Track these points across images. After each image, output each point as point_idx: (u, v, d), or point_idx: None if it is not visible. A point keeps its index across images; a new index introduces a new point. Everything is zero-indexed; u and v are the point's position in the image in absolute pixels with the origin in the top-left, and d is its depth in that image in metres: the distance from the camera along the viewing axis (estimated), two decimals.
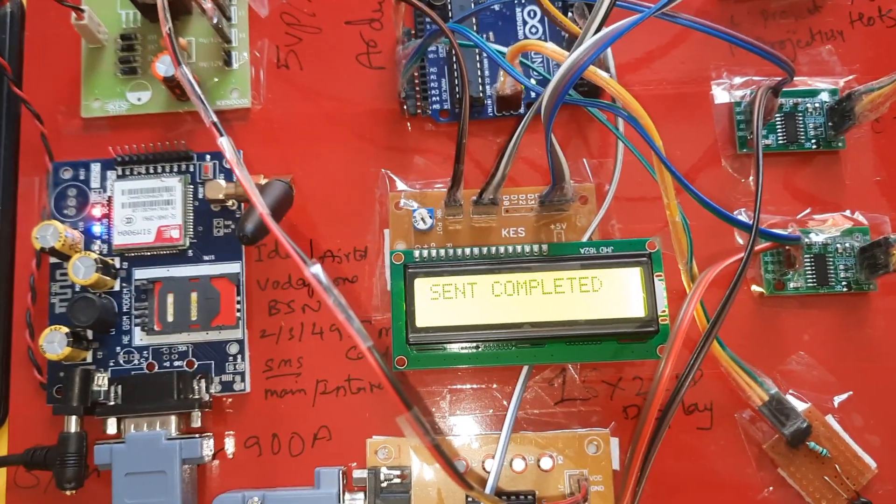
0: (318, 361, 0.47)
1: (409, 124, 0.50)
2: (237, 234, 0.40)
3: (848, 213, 0.48)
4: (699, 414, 0.46)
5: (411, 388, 0.46)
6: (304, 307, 0.48)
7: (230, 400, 0.46)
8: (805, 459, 0.44)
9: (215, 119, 0.34)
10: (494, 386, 0.47)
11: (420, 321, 0.42)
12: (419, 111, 0.49)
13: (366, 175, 0.49)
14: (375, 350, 0.29)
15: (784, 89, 0.45)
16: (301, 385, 0.47)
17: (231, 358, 0.46)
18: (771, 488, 0.45)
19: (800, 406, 0.44)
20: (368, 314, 0.47)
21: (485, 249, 0.44)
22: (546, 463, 0.44)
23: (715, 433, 0.46)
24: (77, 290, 0.47)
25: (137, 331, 0.46)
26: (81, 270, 0.45)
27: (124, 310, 0.47)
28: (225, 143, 0.33)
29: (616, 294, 0.43)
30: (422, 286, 0.43)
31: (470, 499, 0.44)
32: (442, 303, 0.43)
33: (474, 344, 0.43)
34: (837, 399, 0.46)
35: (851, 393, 0.46)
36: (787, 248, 0.43)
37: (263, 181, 0.46)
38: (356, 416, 0.46)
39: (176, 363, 0.46)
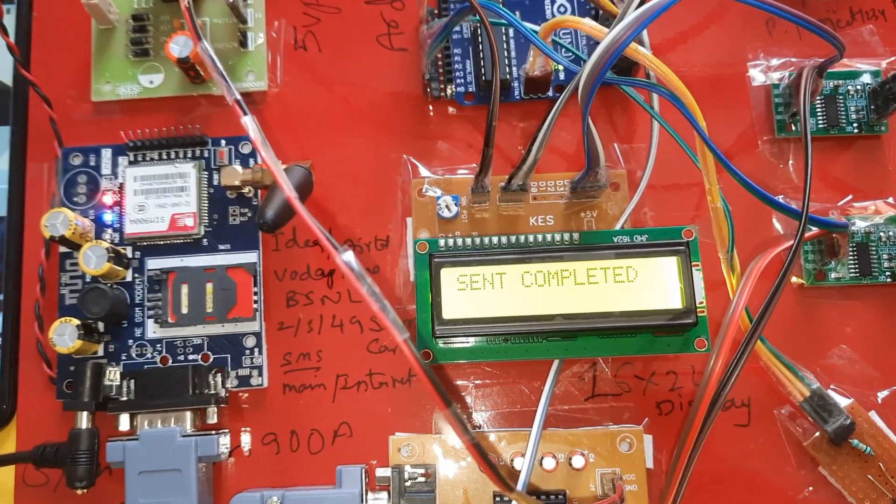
0: (339, 355, 0.45)
1: (431, 108, 0.48)
2: (257, 220, 0.38)
3: (891, 199, 0.46)
4: (736, 410, 0.44)
5: (449, 382, 0.44)
6: (323, 298, 0.46)
7: (247, 395, 0.45)
8: (847, 458, 0.42)
9: (238, 97, 0.32)
10: (523, 381, 0.45)
11: (447, 313, 0.41)
12: (442, 94, 0.47)
13: (387, 161, 0.47)
14: (412, 343, 0.27)
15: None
16: (321, 380, 0.45)
17: (248, 351, 0.44)
18: (811, 488, 0.43)
19: (842, 402, 0.42)
20: (392, 305, 0.45)
21: (513, 238, 0.42)
22: (578, 461, 0.42)
23: (753, 430, 0.44)
24: (88, 280, 0.45)
25: (150, 323, 0.44)
26: (93, 260, 0.43)
27: (137, 301, 0.45)
28: (249, 123, 0.31)
29: (652, 284, 0.41)
30: (448, 276, 0.41)
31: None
32: (469, 294, 0.41)
33: (503, 337, 0.41)
34: (881, 395, 0.44)
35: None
36: (833, 235, 0.41)
37: (283, 167, 0.44)
38: (378, 412, 0.44)
39: (191, 357, 0.44)
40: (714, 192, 0.38)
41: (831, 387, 0.43)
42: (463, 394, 0.45)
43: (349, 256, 0.27)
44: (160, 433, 0.41)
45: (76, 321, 0.42)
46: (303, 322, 0.45)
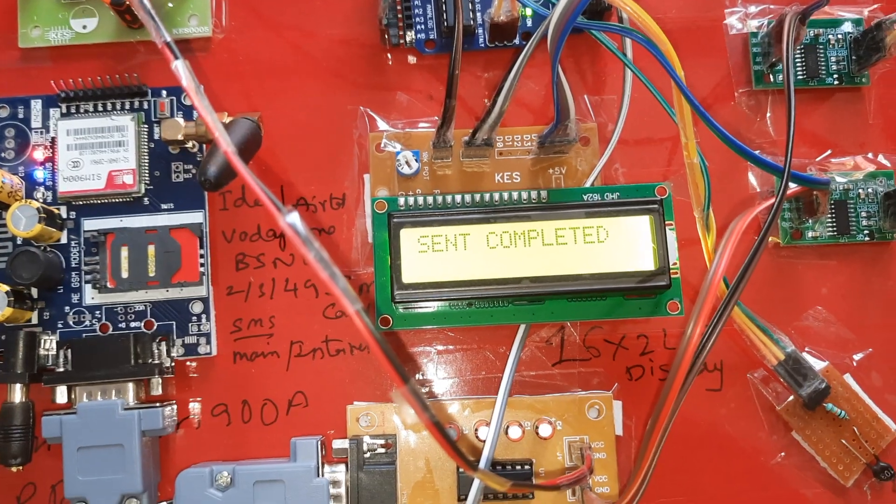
0: (292, 321, 0.42)
1: (389, 56, 0.45)
2: (199, 178, 0.35)
3: (871, 155, 0.44)
4: (708, 374, 0.43)
5: (406, 354, 0.41)
6: (275, 261, 0.43)
7: (194, 364, 0.42)
8: (822, 422, 0.41)
9: (168, 38, 0.28)
10: (487, 346, 0.43)
11: (407, 276, 0.38)
12: (401, 42, 0.44)
13: (342, 113, 0.44)
14: (365, 313, 0.24)
15: None
16: (273, 347, 0.42)
17: (195, 318, 0.41)
18: (783, 454, 0.42)
19: (817, 365, 0.41)
20: (349, 268, 0.43)
21: (477, 196, 0.40)
22: (545, 430, 0.40)
23: (725, 395, 0.42)
24: (18, 242, 0.41)
25: (88, 288, 0.41)
26: (22, 221, 0.39)
27: (73, 265, 0.41)
28: (181, 67, 0.28)
29: (623, 245, 0.39)
30: (408, 237, 0.38)
31: (462, 469, 0.40)
32: (431, 256, 0.38)
33: (467, 301, 0.39)
34: (857, 357, 0.42)
35: (871, 350, 0.42)
36: (814, 193, 0.39)
37: (227, 119, 0.40)
38: (335, 381, 0.42)
39: (133, 324, 0.41)
40: (691, 146, 0.36)
41: (806, 349, 0.42)
42: (425, 360, 0.42)
43: (294, 218, 0.24)
44: (100, 406, 0.38)
45: (6, 287, 0.39)
46: (254, 286, 0.43)
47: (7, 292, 0.39)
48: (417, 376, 0.42)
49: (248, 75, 0.44)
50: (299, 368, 0.42)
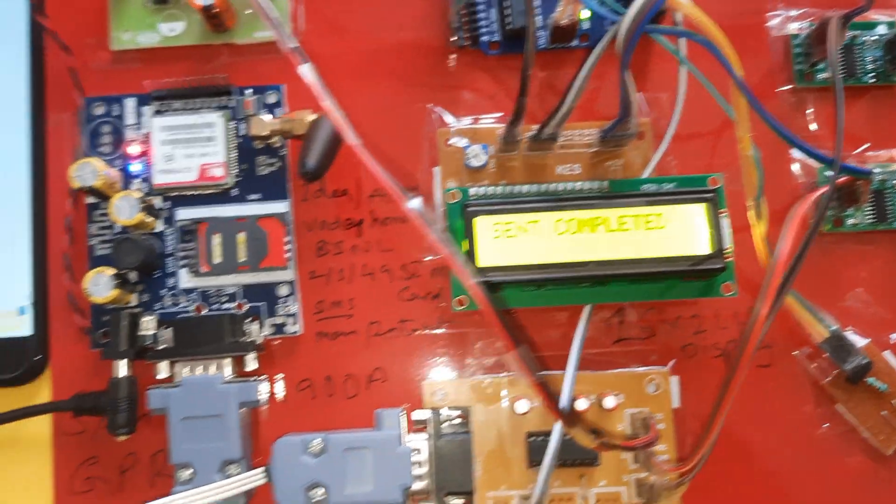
0: (370, 303, 0.46)
1: (456, 57, 0.48)
2: (299, 170, 0.38)
3: None
4: (759, 352, 0.46)
5: (518, 324, 0.45)
6: (353, 248, 0.46)
7: (280, 343, 0.45)
8: (863, 395, 0.44)
9: (296, 44, 0.32)
10: (550, 328, 0.46)
11: (482, 261, 0.41)
12: (467, 43, 0.47)
13: (412, 111, 0.47)
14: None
15: None
16: (353, 327, 0.46)
17: (282, 300, 0.45)
18: (828, 424, 0.45)
19: (859, 342, 0.44)
20: (420, 255, 0.46)
21: (543, 186, 0.43)
22: (609, 402, 0.43)
23: (774, 371, 0.45)
24: (117, 231, 0.45)
25: (183, 273, 0.45)
26: (125, 210, 0.43)
27: (168, 251, 0.45)
28: (307, 71, 0.31)
29: (681, 231, 0.42)
30: (483, 225, 0.42)
31: (532, 438, 0.43)
32: (504, 242, 0.42)
33: (536, 284, 0.42)
34: (894, 336, 0.46)
35: None
36: (857, 182, 0.42)
37: (313, 116, 0.44)
38: (410, 358, 0.45)
39: (225, 305, 0.44)
40: (746, 140, 0.39)
41: (848, 328, 0.45)
42: (492, 340, 0.46)
43: (417, 203, 0.27)
44: (202, 379, 0.42)
45: (111, 271, 0.42)
46: (334, 271, 0.46)
47: (112, 276, 0.42)
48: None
49: (323, 76, 0.47)
50: (377, 346, 0.45)
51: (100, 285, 0.42)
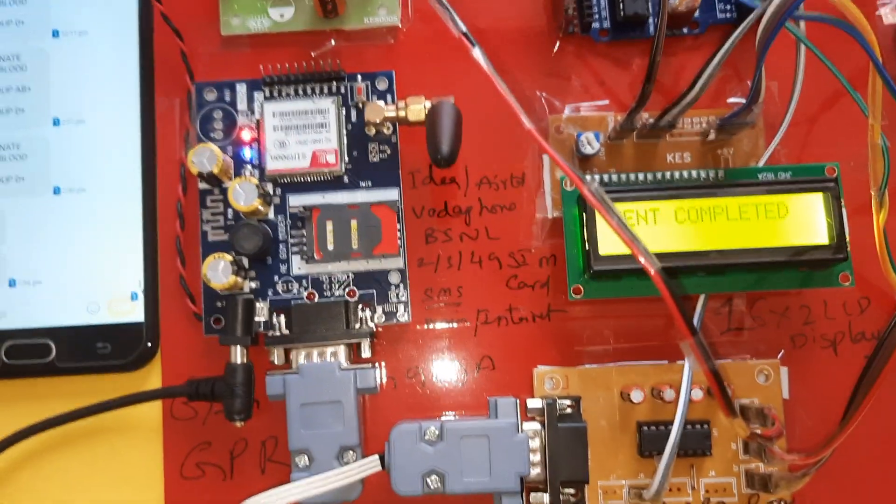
0: (478, 291, 0.46)
1: (563, 44, 0.48)
2: (434, 156, 0.38)
3: None
4: (866, 343, 0.45)
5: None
6: (461, 236, 0.46)
7: (389, 330, 0.45)
8: None
9: (465, 29, 0.31)
10: (659, 316, 0.46)
11: (604, 248, 0.41)
12: (576, 30, 0.47)
13: (520, 98, 0.46)
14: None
15: None
16: (461, 315, 0.46)
17: (393, 287, 0.45)
18: None
19: None
20: (528, 243, 0.46)
21: (659, 175, 0.43)
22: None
23: None
24: (230, 217, 0.45)
25: (296, 259, 0.45)
26: (243, 196, 0.43)
27: (280, 238, 0.45)
28: (479, 55, 0.31)
29: (801, 221, 0.42)
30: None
31: (645, 427, 0.43)
32: None
33: None
34: None
35: None
36: None
37: (427, 103, 0.44)
38: (519, 346, 0.45)
39: (336, 292, 0.45)
40: (876, 128, 0.39)
41: None
42: (603, 330, 0.45)
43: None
44: (320, 366, 0.42)
45: (229, 257, 0.42)
46: (442, 258, 0.46)
47: (231, 262, 0.42)
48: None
49: (432, 62, 0.47)
50: (486, 335, 0.45)
51: (218, 271, 0.42)
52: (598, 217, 0.41)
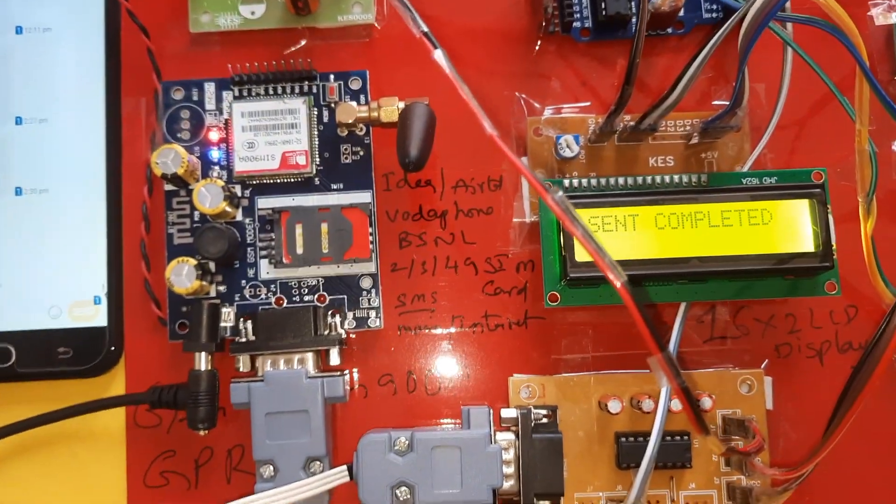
0: (454, 297, 0.44)
1: (544, 44, 0.46)
2: (402, 160, 0.37)
3: None
4: (853, 353, 0.44)
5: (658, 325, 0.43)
6: (436, 240, 0.45)
7: (361, 337, 0.44)
8: None
9: (426, 29, 0.30)
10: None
11: (580, 255, 0.40)
12: (556, 30, 0.45)
13: (499, 99, 0.46)
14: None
15: None
16: (436, 321, 0.44)
17: (365, 292, 0.43)
18: None
19: None
20: (506, 248, 0.45)
21: (639, 179, 0.42)
22: (706, 403, 0.42)
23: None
24: (196, 219, 0.44)
25: (264, 263, 0.43)
26: (208, 199, 0.41)
27: (248, 241, 0.43)
28: (440, 56, 0.29)
29: (786, 227, 0.40)
30: (582, 218, 0.40)
31: (623, 438, 0.42)
32: (601, 236, 0.40)
33: (632, 281, 0.40)
34: None
35: None
36: None
37: (400, 104, 0.42)
38: (495, 354, 0.44)
39: (306, 298, 0.43)
40: (864, 133, 0.37)
41: None
42: (580, 337, 0.44)
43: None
44: (287, 374, 0.40)
45: (193, 261, 0.41)
46: (416, 263, 0.44)
47: (195, 266, 0.41)
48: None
49: (407, 62, 0.46)
50: (461, 342, 0.44)
51: (182, 275, 0.41)
52: None
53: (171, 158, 0.41)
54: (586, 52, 0.46)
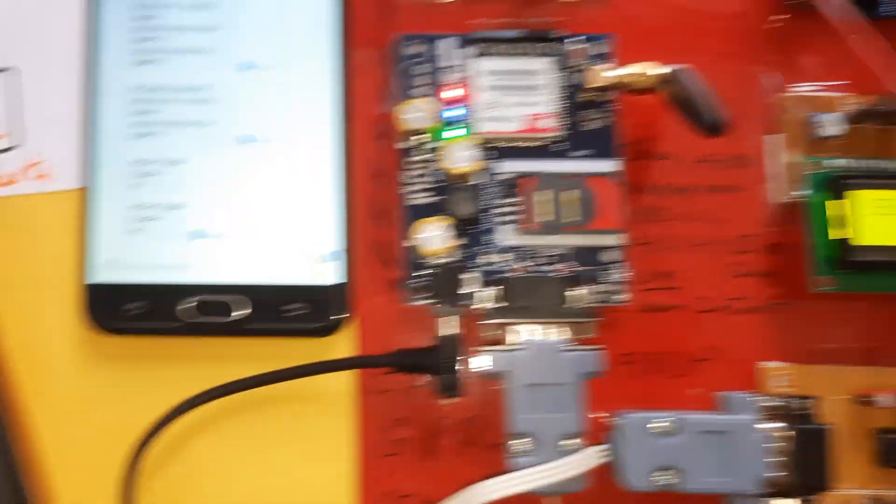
0: (699, 276, 0.42)
1: (794, 18, 0.44)
2: (707, 124, 0.35)
3: None
4: None
5: None
6: (680, 216, 0.43)
7: (600, 311, 0.42)
8: None
9: None
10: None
11: (862, 239, 0.38)
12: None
13: (745, 73, 0.44)
14: None
15: None
16: (680, 301, 0.42)
17: (610, 266, 0.41)
18: None
19: None
20: (756, 228, 0.42)
21: None
22: None
23: None
24: (433, 178, 0.41)
25: (504, 229, 0.41)
26: (462, 157, 0.39)
27: (488, 206, 0.41)
28: None
29: None
30: (862, 200, 0.38)
31: (885, 435, 0.39)
32: (884, 219, 0.38)
33: None
34: None
35: None
36: None
37: (659, 70, 0.40)
38: (742, 339, 0.42)
39: (549, 267, 0.41)
40: None
41: None
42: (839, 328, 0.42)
43: None
44: (547, 344, 0.38)
45: (446, 221, 0.39)
46: (661, 239, 0.42)
47: (448, 227, 0.39)
48: None
49: (652, 30, 0.44)
50: (706, 324, 0.42)
51: (434, 236, 0.39)
52: (855, 204, 0.38)
53: (420, 114, 0.39)
54: (838, 28, 0.44)
